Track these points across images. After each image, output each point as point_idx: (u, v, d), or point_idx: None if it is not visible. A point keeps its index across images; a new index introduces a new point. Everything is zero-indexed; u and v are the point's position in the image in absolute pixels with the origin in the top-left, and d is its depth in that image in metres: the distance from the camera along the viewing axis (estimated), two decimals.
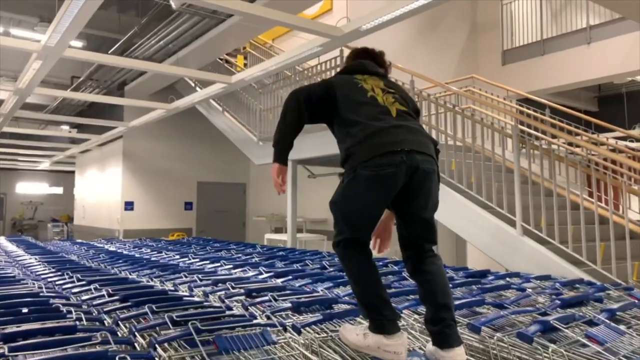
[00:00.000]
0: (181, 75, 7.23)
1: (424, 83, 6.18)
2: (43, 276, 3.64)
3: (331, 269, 4.02)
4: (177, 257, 5.10)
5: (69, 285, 3.20)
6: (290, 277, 3.59)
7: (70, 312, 2.28)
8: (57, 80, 10.57)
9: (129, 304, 2.52)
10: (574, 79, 8.14)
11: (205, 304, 2.62)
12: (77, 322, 2.14)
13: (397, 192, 1.96)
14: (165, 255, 5.26)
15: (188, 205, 11.18)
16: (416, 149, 1.95)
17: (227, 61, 9.39)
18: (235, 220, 11.77)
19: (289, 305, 2.53)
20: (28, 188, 19.62)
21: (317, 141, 6.68)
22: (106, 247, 6.40)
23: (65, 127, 14.35)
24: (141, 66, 6.71)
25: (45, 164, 16.19)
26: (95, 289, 2.97)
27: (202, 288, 3.23)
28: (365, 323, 2.04)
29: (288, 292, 2.95)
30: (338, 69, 6.21)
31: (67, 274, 3.58)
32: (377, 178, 1.92)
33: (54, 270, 3.87)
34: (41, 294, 2.76)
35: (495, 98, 6.73)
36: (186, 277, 3.60)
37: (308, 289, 3.19)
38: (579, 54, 8.18)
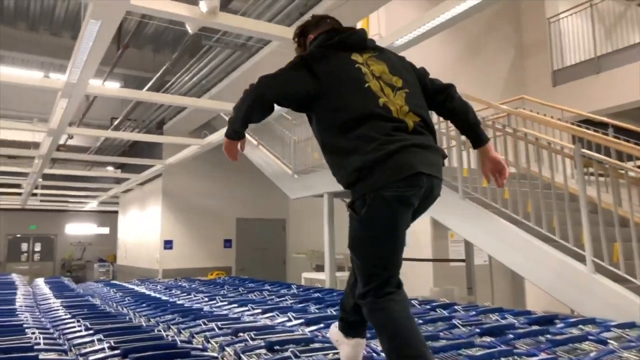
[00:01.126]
0: (207, 107, 7.11)
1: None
2: (54, 323, 3.36)
3: None
4: (206, 299, 4.77)
5: (74, 335, 2.89)
6: (322, 325, 3.13)
7: None
8: (99, 122, 10.77)
9: None
10: (637, 97, 7.42)
11: None
12: None
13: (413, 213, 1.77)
14: (194, 298, 4.94)
15: (227, 243, 10.97)
16: (434, 174, 1.72)
17: None
18: (275, 258, 11.45)
19: None
20: (77, 229, 20.11)
21: None
22: (137, 288, 6.15)
23: (110, 168, 14.64)
24: (167, 100, 6.65)
25: (92, 204, 16.53)
26: (99, 340, 2.63)
27: (220, 338, 2.83)
28: None
29: (316, 345, 2.50)
30: None
31: (79, 321, 3.28)
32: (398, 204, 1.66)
33: (68, 316, 3.59)
34: (35, 348, 2.44)
35: (550, 120, 6.15)
36: (205, 324, 3.22)
37: None
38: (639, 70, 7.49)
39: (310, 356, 2.24)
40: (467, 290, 6.73)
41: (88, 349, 2.53)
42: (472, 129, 1.96)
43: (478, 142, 1.97)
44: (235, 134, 1.90)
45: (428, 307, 3.74)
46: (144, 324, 3.33)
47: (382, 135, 1.65)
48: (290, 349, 2.25)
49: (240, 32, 5.39)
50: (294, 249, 11.03)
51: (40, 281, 7.35)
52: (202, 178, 10.67)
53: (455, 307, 3.71)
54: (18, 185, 12.55)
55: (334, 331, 2.12)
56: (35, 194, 13.98)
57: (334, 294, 4.97)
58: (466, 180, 4.81)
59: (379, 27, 6.95)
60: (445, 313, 3.50)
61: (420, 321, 3.16)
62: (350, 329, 1.99)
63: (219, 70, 7.34)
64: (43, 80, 4.68)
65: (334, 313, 3.64)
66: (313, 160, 7.35)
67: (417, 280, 7.46)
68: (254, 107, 1.82)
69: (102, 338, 2.65)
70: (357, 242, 1.71)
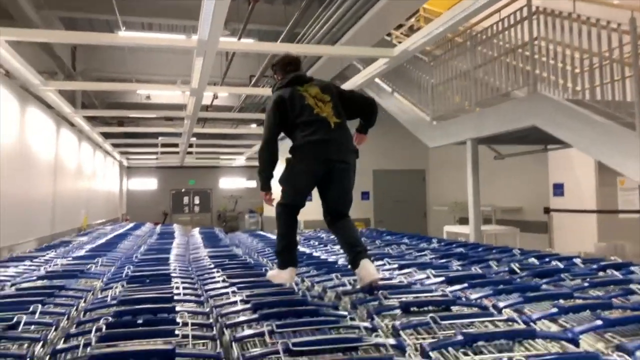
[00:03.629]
0: (340, 54, 6.83)
1: None
2: (198, 272, 3.52)
3: (523, 274, 3.09)
4: (341, 252, 4.67)
5: (212, 286, 2.96)
6: (465, 284, 2.80)
7: None
8: (239, 81, 11.22)
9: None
10: None
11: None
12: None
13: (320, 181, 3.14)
14: (330, 250, 4.89)
15: (365, 195, 10.92)
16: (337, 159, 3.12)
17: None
18: (416, 211, 11.15)
19: (460, 338, 1.75)
20: (229, 183, 21.83)
21: (502, 113, 5.65)
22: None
23: (253, 126, 15.39)
24: (298, 50, 6.51)
25: (240, 160, 17.66)
26: (233, 292, 2.66)
27: (352, 296, 2.68)
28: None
29: (457, 309, 2.21)
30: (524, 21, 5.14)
31: (219, 271, 3.40)
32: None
33: (212, 266, 3.75)
34: (174, 298, 2.52)
35: None
36: (338, 279, 3.09)
37: (488, 303, 2.39)
38: None
39: (453, 323, 1.94)
40: None
41: (223, 301, 2.56)
42: (369, 124, 3.46)
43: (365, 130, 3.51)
44: (268, 182, 3.23)
45: (595, 266, 3.17)
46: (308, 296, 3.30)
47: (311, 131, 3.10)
48: (430, 314, 1.98)
49: None
50: (434, 201, 10.63)
51: (195, 231, 8.01)
52: None
53: (632, 267, 3.08)
54: (176, 145, 13.82)
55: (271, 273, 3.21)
56: (190, 152, 15.32)
57: (479, 249, 4.56)
58: None
59: None
60: (619, 275, 2.92)
61: (586, 284, 2.65)
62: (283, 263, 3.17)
63: (349, 16, 7.01)
64: (178, 40, 4.85)
65: (479, 271, 3.28)
66: (453, 104, 6.79)
67: (578, 234, 6.62)
68: (264, 157, 3.21)
69: (236, 291, 2.67)
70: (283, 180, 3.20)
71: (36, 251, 5.20)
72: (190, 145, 13.81)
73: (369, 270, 2.81)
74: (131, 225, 10.12)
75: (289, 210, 3.19)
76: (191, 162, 17.72)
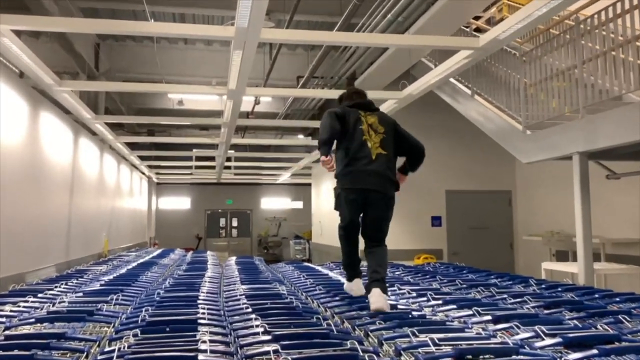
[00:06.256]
0: (409, 45, 6.51)
1: None
2: (231, 318, 3.25)
3: None
4: (413, 294, 4.31)
5: (247, 339, 2.67)
6: (595, 351, 2.35)
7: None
8: (284, 83, 11.12)
9: None
10: None
11: None
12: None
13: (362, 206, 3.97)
14: (398, 291, 4.52)
15: (436, 221, 10.47)
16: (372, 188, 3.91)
17: (478, 30, 8.40)
18: (499, 240, 10.61)
19: None
20: (271, 203, 21.81)
21: (621, 121, 5.14)
22: (331, 274, 6.01)
23: (301, 136, 15.30)
24: (359, 40, 6.27)
25: (284, 177, 17.56)
26: (275, 352, 2.34)
27: None
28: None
29: None
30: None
31: (257, 318, 3.10)
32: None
33: (249, 310, 3.49)
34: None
35: None
36: (415, 335, 2.71)
37: None
38: None
39: None
40: None
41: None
42: (412, 168, 4.26)
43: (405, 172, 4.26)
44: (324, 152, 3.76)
45: None
46: (333, 328, 2.97)
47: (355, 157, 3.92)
48: None
49: None
50: (524, 230, 10.02)
51: (232, 261, 7.84)
52: None
53: None
54: (212, 158, 13.87)
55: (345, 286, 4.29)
56: (228, 167, 15.35)
57: (596, 295, 4.07)
58: None
59: None
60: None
61: None
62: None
63: (418, 2, 6.71)
64: (213, 28, 4.70)
65: (606, 329, 2.82)
66: (551, 109, 6.32)
67: None
68: (326, 123, 3.90)
69: (280, 351, 2.35)
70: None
71: (44, 282, 5.13)
72: (228, 159, 13.82)
73: (377, 299, 3.54)
74: (159, 251, 10.10)
75: (348, 230, 4.05)
76: (229, 178, 17.82)
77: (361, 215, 4.00)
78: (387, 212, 3.95)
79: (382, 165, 3.87)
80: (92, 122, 8.00)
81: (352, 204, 3.91)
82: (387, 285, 3.94)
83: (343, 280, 5.04)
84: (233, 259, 8.12)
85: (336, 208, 4.05)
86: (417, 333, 2.68)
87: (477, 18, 8.79)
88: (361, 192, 3.86)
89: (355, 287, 4.08)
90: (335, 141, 3.92)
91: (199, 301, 3.90)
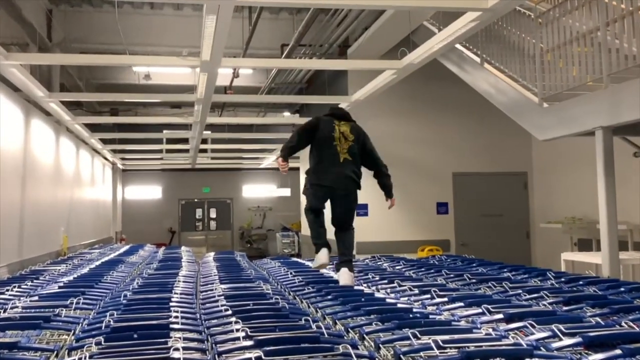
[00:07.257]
0: (398, 6, 6.50)
1: None
2: (208, 322, 3.28)
3: None
4: (416, 291, 4.37)
5: (226, 345, 2.68)
6: (618, 351, 2.40)
7: None
8: (267, 52, 11.07)
9: None
10: None
11: None
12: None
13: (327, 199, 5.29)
14: (399, 288, 4.59)
15: (442, 207, 10.59)
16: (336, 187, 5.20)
17: None
18: (513, 228, 10.79)
19: None
20: (254, 191, 21.82)
21: None
22: (323, 270, 6.05)
23: (286, 114, 15.27)
24: (345, 0, 6.26)
25: (269, 160, 17.51)
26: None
27: None
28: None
29: None
30: None
31: (238, 322, 3.12)
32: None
33: (228, 312, 3.53)
34: None
35: None
36: (417, 337, 2.74)
37: None
38: None
39: None
40: None
41: None
42: (386, 190, 5.61)
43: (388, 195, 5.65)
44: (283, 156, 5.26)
45: None
46: (324, 331, 3.00)
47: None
48: None
49: None
50: (542, 216, 10.14)
51: (210, 257, 7.87)
52: (403, 119, 10.42)
53: None
54: (185, 140, 13.84)
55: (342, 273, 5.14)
56: (204, 150, 15.34)
57: (622, 289, 4.15)
58: None
59: None
60: None
61: None
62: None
63: None
64: None
65: (636, 328, 2.86)
66: (571, 78, 6.36)
67: None
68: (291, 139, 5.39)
69: (262, 356, 2.38)
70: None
71: None
72: (204, 141, 13.82)
73: (344, 276, 4.96)
74: (126, 248, 10.14)
75: (313, 209, 5.27)
76: (205, 163, 17.80)
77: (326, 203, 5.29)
78: (350, 205, 5.29)
79: (348, 168, 5.11)
80: (45, 100, 7.97)
81: (318, 197, 5.22)
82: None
83: (336, 277, 5.23)
84: (211, 255, 8.19)
85: (304, 193, 5.42)
86: (418, 335, 2.72)
87: None
88: (327, 189, 5.14)
89: (322, 255, 5.16)
90: (301, 148, 5.38)
91: (171, 303, 3.95)
